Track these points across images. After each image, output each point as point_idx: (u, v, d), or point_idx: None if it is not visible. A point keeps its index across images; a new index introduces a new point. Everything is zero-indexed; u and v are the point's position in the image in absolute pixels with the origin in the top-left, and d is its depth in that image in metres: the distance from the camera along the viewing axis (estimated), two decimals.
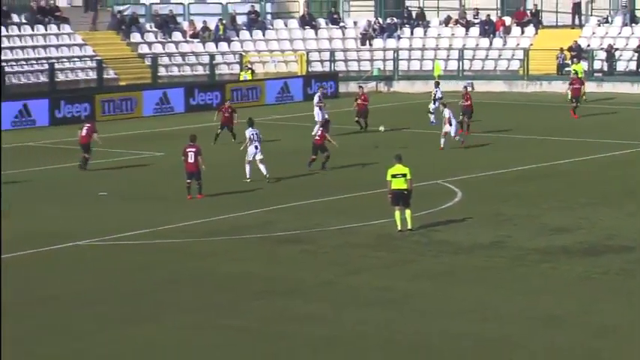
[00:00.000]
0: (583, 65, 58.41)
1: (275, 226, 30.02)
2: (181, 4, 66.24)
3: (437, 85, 49.98)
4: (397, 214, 28.78)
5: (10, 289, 24.20)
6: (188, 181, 33.11)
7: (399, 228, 28.73)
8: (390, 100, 58.63)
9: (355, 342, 20.89)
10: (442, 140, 41.51)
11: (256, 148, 35.62)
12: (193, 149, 33.11)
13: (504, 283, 24.92)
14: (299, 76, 60.85)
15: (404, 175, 28.73)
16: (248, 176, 35.56)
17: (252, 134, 35.90)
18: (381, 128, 44.86)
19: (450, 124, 41.47)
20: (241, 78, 59.81)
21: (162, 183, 36.24)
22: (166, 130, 48.09)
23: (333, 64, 63.89)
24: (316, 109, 44.62)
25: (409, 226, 28.78)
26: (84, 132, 38.64)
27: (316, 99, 45.46)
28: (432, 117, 47.83)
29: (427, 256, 27.03)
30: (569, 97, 52.22)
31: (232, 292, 24.09)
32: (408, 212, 28.76)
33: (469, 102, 45.35)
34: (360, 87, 49.32)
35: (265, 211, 31.77)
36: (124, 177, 37.66)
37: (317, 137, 37.97)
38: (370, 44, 65.47)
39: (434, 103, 48.14)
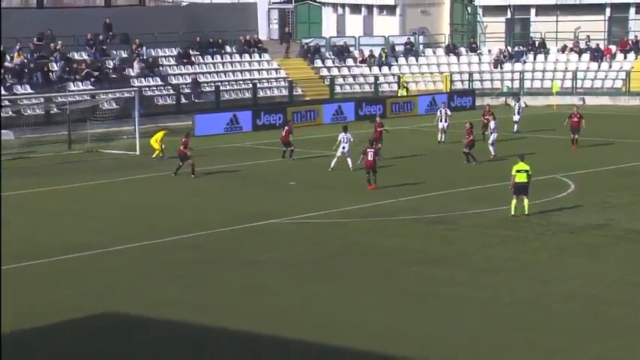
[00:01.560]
0: None
1: (424, 210, 29.84)
2: (353, 37, 66.56)
3: (518, 100, 47.48)
4: (514, 202, 28.03)
5: (223, 255, 24.76)
6: (367, 174, 32.90)
7: (512, 213, 27.93)
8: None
9: (489, 301, 20.66)
10: (492, 148, 38.20)
11: (344, 148, 35.91)
12: (372, 150, 33.07)
13: (608, 256, 24.31)
14: (444, 92, 60.42)
15: (526, 171, 28.13)
16: (332, 166, 35.92)
17: (343, 138, 36.25)
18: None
19: (491, 134, 38.47)
20: (399, 94, 59.65)
21: (337, 176, 36.36)
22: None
23: (471, 83, 63.26)
24: (440, 120, 43.28)
25: (526, 212, 28.00)
26: (284, 132, 39.31)
27: (439, 113, 43.92)
28: (515, 126, 45.70)
29: (545, 235, 26.51)
30: None
31: (391, 260, 24.04)
32: (526, 201, 28.04)
33: (577, 119, 40.82)
34: (488, 105, 46.53)
35: (415, 199, 31.60)
36: (308, 171, 37.91)
37: (471, 138, 37.20)
38: (501, 67, 64.58)
39: (518, 114, 45.85)
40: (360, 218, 28.86)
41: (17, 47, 51.00)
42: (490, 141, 38.85)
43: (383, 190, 32.77)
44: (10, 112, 47.51)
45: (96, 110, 46.93)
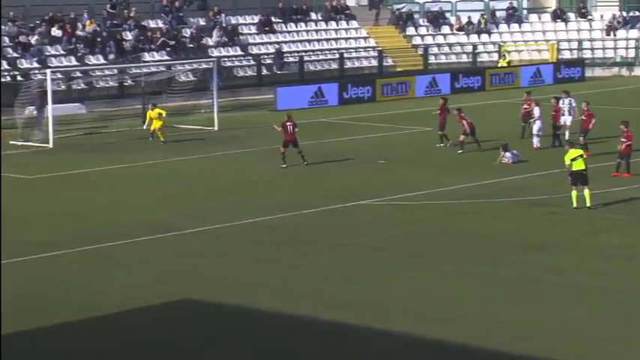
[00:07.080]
0: None
1: (528, 191, 29.78)
2: (449, 2, 66.30)
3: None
4: (574, 193, 27.01)
5: (308, 238, 25.10)
6: (618, 159, 31.28)
7: (575, 205, 26.97)
8: (631, 83, 57.04)
9: (597, 290, 20.62)
10: (536, 140, 36.10)
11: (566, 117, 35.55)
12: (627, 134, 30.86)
13: None
14: (550, 62, 59.95)
15: (581, 156, 27.12)
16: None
17: (566, 102, 36.34)
18: None
19: (535, 122, 36.11)
20: (499, 64, 59.33)
21: (432, 153, 36.33)
22: (435, 109, 48.09)
23: (580, 52, 62.54)
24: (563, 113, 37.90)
25: (588, 204, 26.93)
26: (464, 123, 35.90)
27: (561, 104, 37.78)
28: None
29: None
30: None
31: (490, 246, 24.10)
32: (586, 191, 26.94)
33: (585, 117, 35.31)
34: (527, 92, 40.14)
35: (519, 179, 31.53)
36: (398, 148, 37.93)
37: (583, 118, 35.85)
38: (614, 34, 63.70)
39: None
40: (457, 200, 28.91)
41: (86, 14, 52.10)
42: (534, 131, 36.21)
43: (482, 169, 32.74)
44: (82, 85, 48.74)
45: (172, 82, 47.78)
